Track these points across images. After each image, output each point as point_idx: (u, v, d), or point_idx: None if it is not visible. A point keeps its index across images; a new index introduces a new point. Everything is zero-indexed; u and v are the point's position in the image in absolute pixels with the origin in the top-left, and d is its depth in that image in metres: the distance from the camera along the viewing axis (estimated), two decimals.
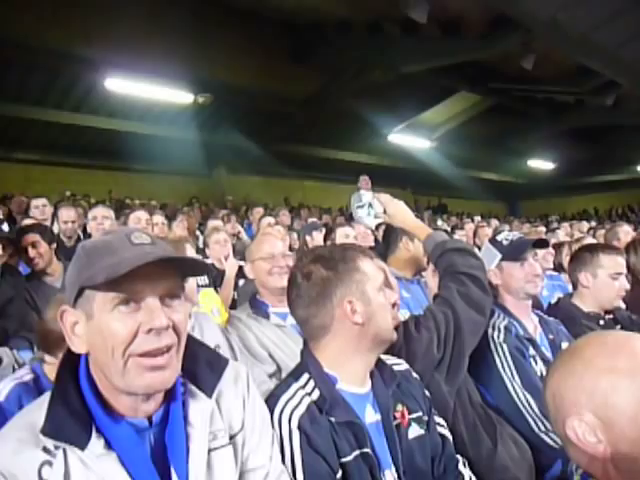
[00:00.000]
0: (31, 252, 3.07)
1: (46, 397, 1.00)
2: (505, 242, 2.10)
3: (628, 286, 2.36)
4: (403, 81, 10.86)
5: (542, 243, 2.19)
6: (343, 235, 3.91)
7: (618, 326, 2.30)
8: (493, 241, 2.16)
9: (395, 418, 1.35)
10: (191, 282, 2.10)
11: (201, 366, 1.11)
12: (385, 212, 2.03)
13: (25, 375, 1.73)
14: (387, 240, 2.95)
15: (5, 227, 2.97)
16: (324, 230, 4.72)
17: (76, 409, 0.96)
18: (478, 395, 1.75)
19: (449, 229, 6.27)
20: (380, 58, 9.92)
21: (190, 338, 1.09)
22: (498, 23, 8.07)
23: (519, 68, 9.01)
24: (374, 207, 2.04)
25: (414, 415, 1.39)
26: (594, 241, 4.05)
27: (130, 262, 0.91)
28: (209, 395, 1.08)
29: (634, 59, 8.67)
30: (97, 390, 1.00)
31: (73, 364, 1.02)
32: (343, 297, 1.34)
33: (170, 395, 1.04)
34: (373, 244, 4.51)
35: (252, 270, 2.31)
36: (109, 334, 0.94)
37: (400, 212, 2.02)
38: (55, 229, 4.19)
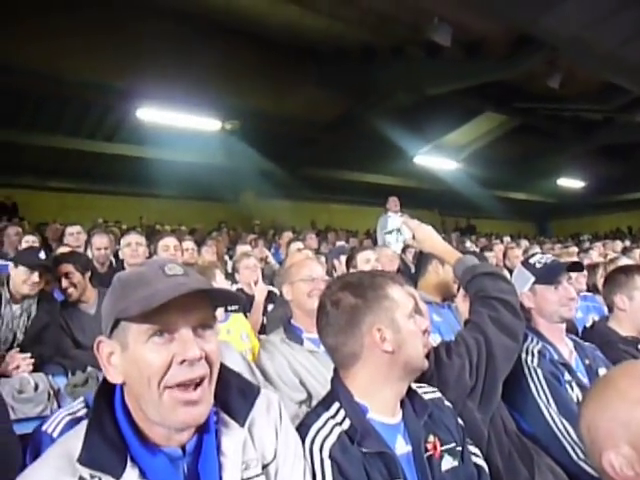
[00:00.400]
0: (64, 282, 3.11)
1: (83, 426, 1.01)
2: (538, 265, 2.06)
3: None
4: (428, 103, 10.90)
5: (577, 266, 2.14)
6: (364, 260, 3.79)
7: None
8: (526, 264, 2.12)
9: (427, 450, 1.31)
10: (218, 311, 2.11)
11: (233, 394, 1.11)
12: (414, 237, 2.02)
13: (79, 410, 1.74)
14: (419, 263, 2.93)
15: (42, 255, 3.04)
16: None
17: (112, 438, 0.98)
18: (513, 423, 1.70)
19: (478, 250, 6.19)
20: (404, 81, 9.99)
21: (222, 366, 1.09)
22: (522, 43, 8.05)
23: (545, 87, 8.94)
24: (402, 233, 2.05)
25: (447, 447, 1.34)
26: (629, 261, 3.94)
27: (164, 294, 0.93)
28: (242, 424, 1.08)
29: None
30: (132, 420, 1.01)
31: (109, 394, 1.04)
32: (372, 325, 1.33)
33: (203, 424, 1.04)
34: (398, 268, 4.47)
35: (290, 291, 2.33)
36: (144, 365, 0.96)
37: (429, 237, 2.01)
38: (89, 255, 4.28)
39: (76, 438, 0.99)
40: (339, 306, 1.36)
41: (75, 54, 8.35)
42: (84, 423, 1.02)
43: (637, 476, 0.84)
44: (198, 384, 0.98)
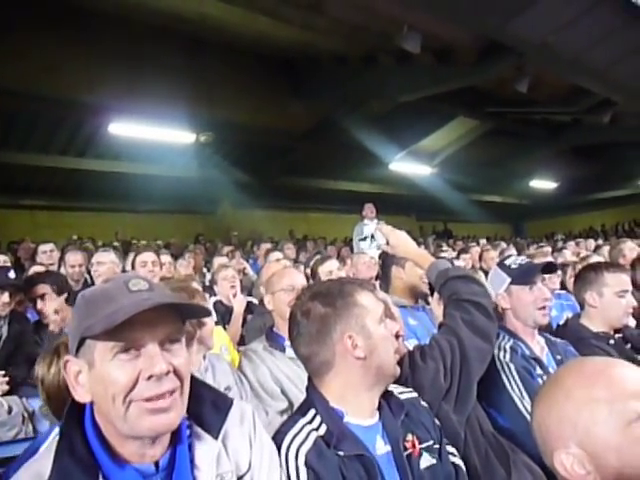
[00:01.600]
0: (39, 304, 3.03)
1: (52, 446, 1.00)
2: (514, 266, 2.10)
3: (635, 303, 2.35)
4: (401, 109, 11.02)
5: (551, 267, 2.19)
6: (326, 272, 3.70)
7: (628, 345, 2.28)
8: (501, 265, 2.17)
9: (406, 448, 1.33)
10: (209, 325, 2.12)
11: (206, 407, 1.11)
12: (387, 243, 2.03)
13: None
14: (382, 272, 2.96)
15: (12, 274, 2.97)
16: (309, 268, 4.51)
17: (82, 458, 0.96)
18: (489, 423, 1.72)
19: (455, 254, 6.26)
20: (377, 89, 10.09)
21: (194, 379, 1.09)
22: (490, 49, 8.20)
23: (514, 91, 9.11)
24: (376, 239, 2.05)
25: (425, 444, 1.36)
26: (599, 258, 4.03)
27: (126, 311, 0.92)
28: (215, 437, 1.07)
29: (626, 77, 8.80)
30: (103, 438, 1.00)
31: (78, 412, 1.03)
32: (343, 332, 1.34)
33: (176, 438, 1.03)
34: (377, 274, 4.47)
35: (272, 301, 2.35)
36: (110, 382, 0.95)
37: (402, 242, 2.02)
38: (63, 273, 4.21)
39: (46, 458, 0.98)
40: (309, 316, 1.37)
41: (44, 70, 8.23)
42: (54, 442, 1.01)
43: (588, 474, 0.85)
44: (168, 395, 0.97)
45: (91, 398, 0.99)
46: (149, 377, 0.95)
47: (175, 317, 1.02)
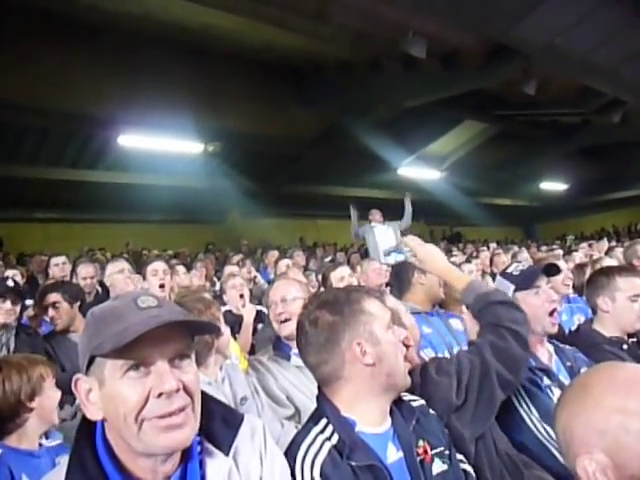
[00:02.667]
0: (51, 312, 3.09)
1: (65, 464, 1.00)
2: (516, 272, 2.08)
3: None
4: (409, 115, 11.04)
5: (553, 269, 2.15)
6: (338, 278, 3.70)
7: None
8: (504, 274, 2.14)
9: (418, 454, 1.32)
10: (226, 334, 2.13)
11: (217, 423, 1.10)
12: (415, 256, 1.92)
13: None
14: (399, 277, 2.90)
15: (10, 282, 3.01)
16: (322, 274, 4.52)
17: (93, 475, 0.96)
18: (504, 442, 1.69)
19: (464, 258, 6.22)
20: (384, 95, 10.12)
21: (204, 395, 1.08)
22: (496, 52, 8.19)
23: (522, 93, 9.09)
24: (402, 252, 1.96)
25: (436, 450, 1.36)
26: (612, 261, 3.98)
27: (135, 329, 0.92)
28: (226, 453, 1.07)
29: (635, 76, 8.73)
30: (114, 455, 1.00)
31: (90, 430, 1.03)
32: (351, 340, 1.34)
33: (187, 455, 1.03)
34: (387, 280, 4.44)
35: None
36: (120, 401, 0.95)
37: (430, 257, 1.91)
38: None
39: (58, 476, 0.98)
40: (317, 325, 1.37)
41: (54, 84, 8.35)
42: (65, 461, 1.01)
43: None
44: (181, 411, 0.97)
45: (103, 416, 0.99)
46: (159, 395, 0.95)
47: (184, 334, 1.02)
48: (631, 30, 7.53)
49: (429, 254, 1.90)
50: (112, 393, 0.95)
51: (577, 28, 7.25)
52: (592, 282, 2.45)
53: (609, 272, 2.40)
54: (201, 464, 1.04)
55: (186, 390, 0.98)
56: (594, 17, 7.07)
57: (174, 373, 0.96)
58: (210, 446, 1.07)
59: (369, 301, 1.40)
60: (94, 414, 0.99)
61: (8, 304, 2.85)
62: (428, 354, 2.26)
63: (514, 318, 1.68)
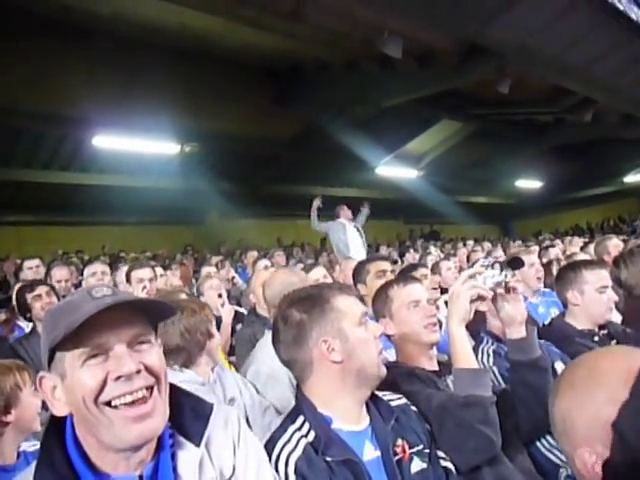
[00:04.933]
0: (45, 300, 3.15)
1: (34, 464, 0.99)
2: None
3: (616, 298, 2.37)
4: (386, 114, 11.07)
5: (517, 262, 2.18)
6: (313, 280, 3.47)
7: (613, 341, 2.29)
8: None
9: (396, 453, 1.33)
10: (216, 338, 2.13)
11: (187, 415, 1.10)
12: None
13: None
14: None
15: None
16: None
17: (62, 471, 0.96)
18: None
19: (442, 256, 6.29)
20: (361, 94, 10.13)
21: (173, 387, 1.09)
22: (470, 52, 8.26)
23: (496, 93, 9.19)
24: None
25: (415, 449, 1.37)
26: (586, 257, 4.06)
27: (87, 312, 0.93)
28: (197, 444, 1.07)
29: (605, 75, 8.93)
30: (84, 452, 0.99)
31: (58, 428, 1.02)
32: (319, 337, 1.36)
33: (159, 447, 1.03)
34: None
35: None
36: (79, 387, 0.95)
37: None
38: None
39: (29, 473, 0.97)
40: (287, 322, 1.40)
41: (26, 84, 8.18)
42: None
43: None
44: (148, 396, 0.97)
45: (69, 410, 0.99)
46: (117, 378, 0.95)
47: (141, 318, 1.02)
48: (601, 30, 7.69)
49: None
50: (73, 383, 0.96)
51: (548, 29, 7.38)
52: (560, 277, 2.50)
53: (576, 266, 2.46)
54: (173, 456, 1.04)
55: (149, 371, 0.98)
56: (565, 18, 7.20)
57: (133, 356, 0.97)
58: (181, 438, 1.07)
59: (340, 298, 1.41)
60: (60, 410, 0.99)
61: None
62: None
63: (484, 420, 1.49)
